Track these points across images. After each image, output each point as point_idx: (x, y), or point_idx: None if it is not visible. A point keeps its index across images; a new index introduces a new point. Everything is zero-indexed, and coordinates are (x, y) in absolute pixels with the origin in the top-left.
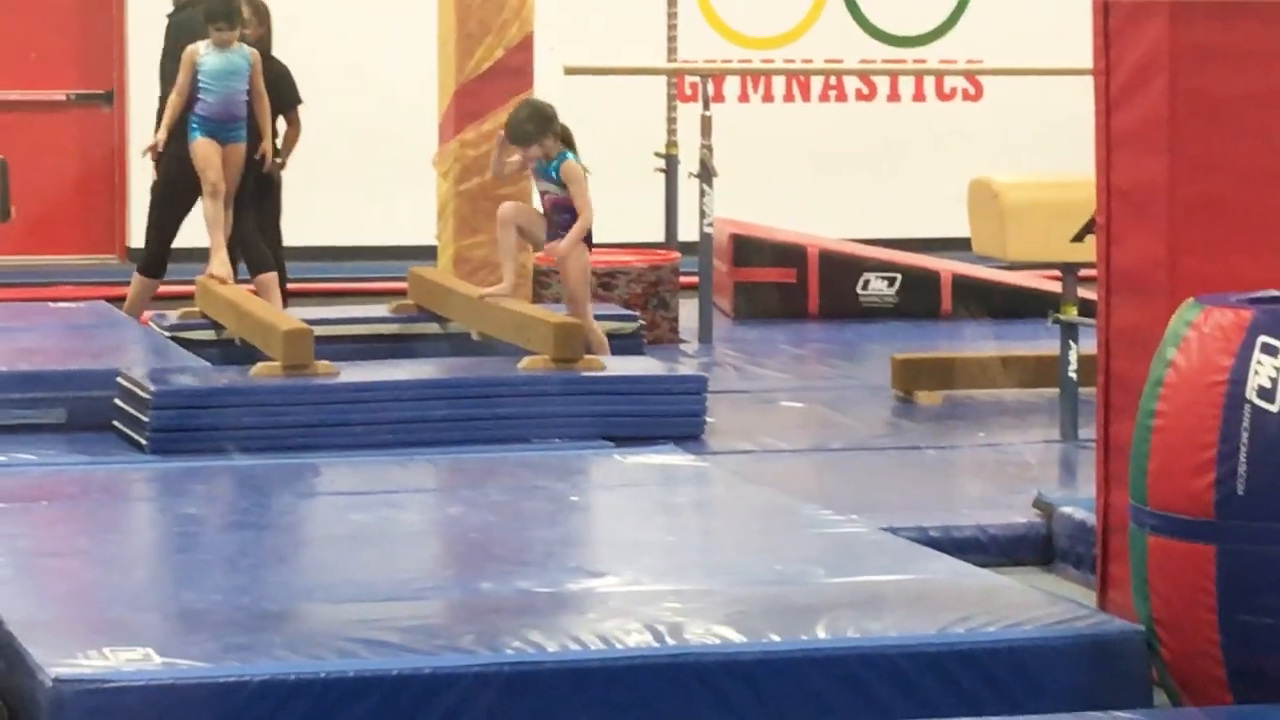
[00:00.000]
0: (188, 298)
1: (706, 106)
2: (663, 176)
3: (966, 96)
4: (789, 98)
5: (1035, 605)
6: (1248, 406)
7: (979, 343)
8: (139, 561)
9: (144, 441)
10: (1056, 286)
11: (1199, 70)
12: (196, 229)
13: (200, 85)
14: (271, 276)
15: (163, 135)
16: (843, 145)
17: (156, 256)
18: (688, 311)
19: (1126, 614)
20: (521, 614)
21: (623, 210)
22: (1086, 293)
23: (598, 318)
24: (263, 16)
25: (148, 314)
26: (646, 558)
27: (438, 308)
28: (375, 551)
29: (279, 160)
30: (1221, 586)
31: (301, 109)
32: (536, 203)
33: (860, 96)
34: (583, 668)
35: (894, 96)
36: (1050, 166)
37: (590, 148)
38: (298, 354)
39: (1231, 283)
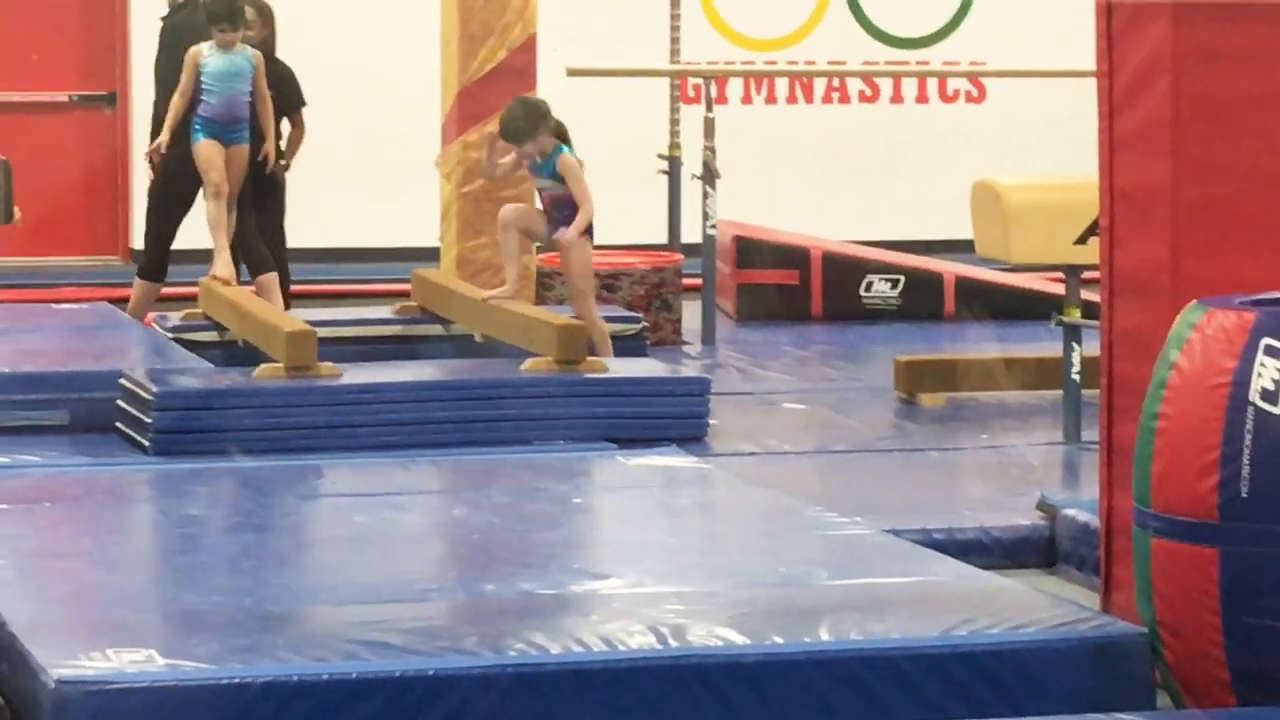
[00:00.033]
0: (191, 299)
1: (709, 108)
2: (665, 178)
3: (969, 98)
4: (792, 99)
5: (1038, 607)
6: (1251, 409)
7: (982, 345)
8: (142, 563)
9: (147, 443)
10: (1060, 288)
11: (1202, 72)
12: (197, 230)
13: (203, 86)
14: (272, 277)
15: (165, 137)
16: (846, 147)
17: (157, 260)
18: (690, 313)
19: (1129, 616)
20: (524, 616)
21: (625, 212)
22: (1089, 295)
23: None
24: (267, 18)
25: (150, 315)
26: (649, 559)
27: (441, 309)
28: (378, 553)
29: (283, 162)
30: (1224, 589)
31: (305, 111)
32: (537, 203)
33: (863, 98)
34: (586, 669)
35: (897, 98)
36: (1053, 168)
37: (593, 149)
38: (301, 355)
39: (1235, 285)
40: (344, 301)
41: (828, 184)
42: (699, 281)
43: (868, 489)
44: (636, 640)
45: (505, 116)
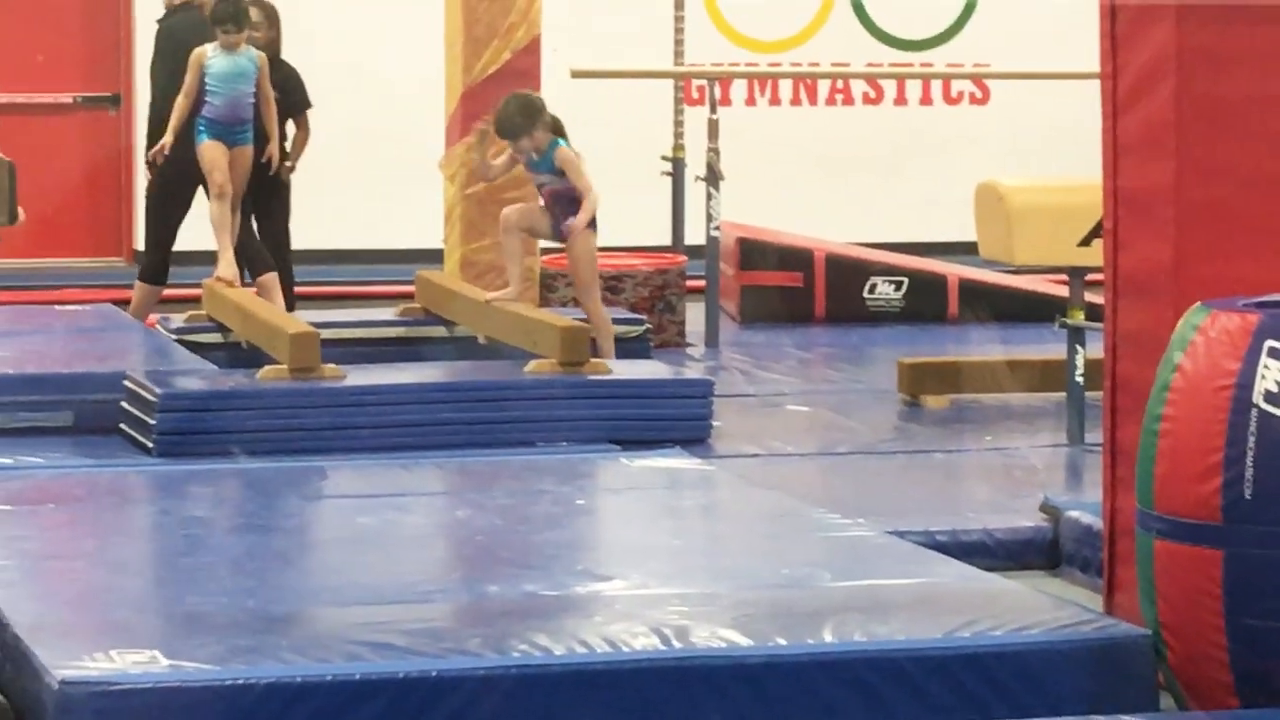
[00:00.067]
0: (194, 301)
1: (713, 110)
2: (669, 180)
3: (973, 100)
4: (796, 101)
5: (1041, 609)
6: (1254, 410)
7: (986, 347)
8: (145, 564)
9: (150, 444)
10: (1063, 290)
11: (1206, 74)
12: (198, 232)
13: (207, 88)
14: (272, 277)
15: (170, 139)
16: (849, 149)
17: (158, 263)
18: (694, 315)
19: (1133, 618)
20: (528, 617)
21: (629, 214)
22: (1093, 297)
23: None
24: (273, 20)
25: (154, 317)
26: (653, 561)
27: (444, 311)
28: (381, 554)
29: (289, 164)
30: (1228, 591)
31: (310, 112)
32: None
33: (867, 100)
34: (589, 671)
35: (901, 100)
36: (1057, 170)
37: (597, 151)
38: (304, 357)
39: (1238, 287)
40: (348, 303)
41: (831, 186)
42: (702, 283)
43: (871, 491)
44: (640, 642)
45: (500, 113)
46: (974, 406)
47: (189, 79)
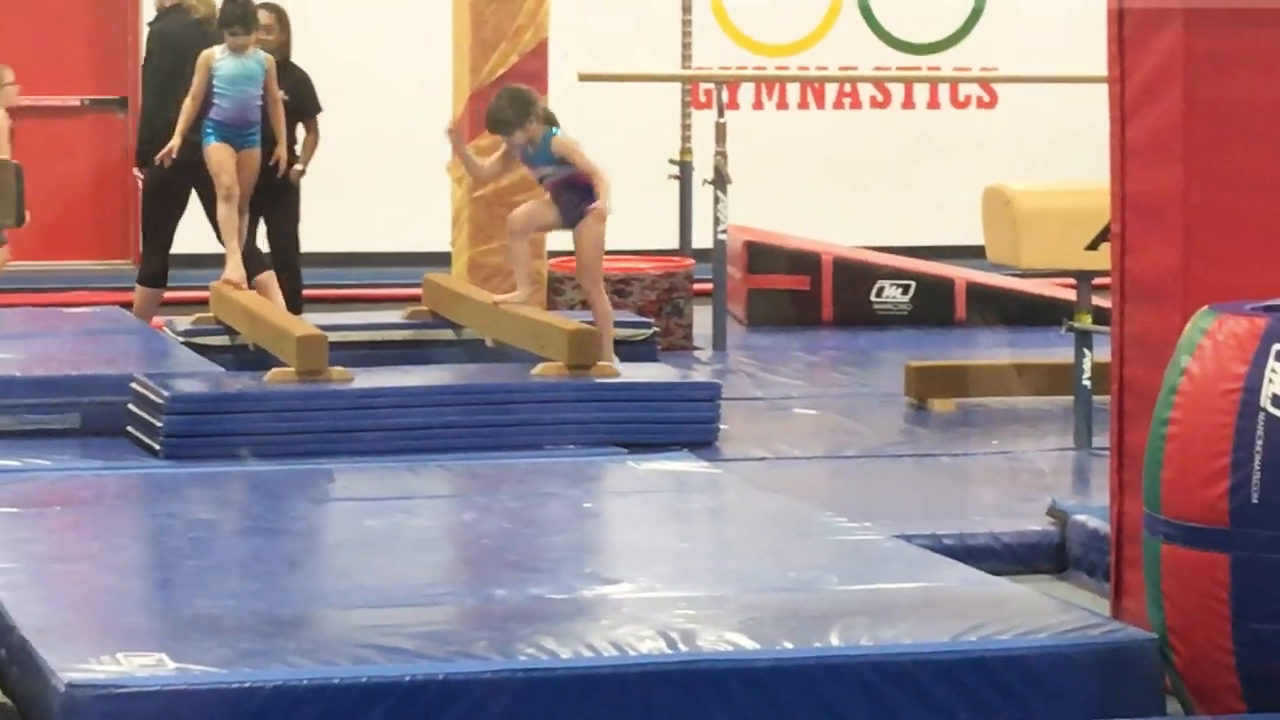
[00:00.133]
0: (201, 303)
1: (721, 113)
2: (677, 183)
3: (981, 104)
4: (803, 105)
5: (1048, 613)
6: (1262, 414)
7: (993, 350)
8: (152, 567)
9: (158, 447)
10: (1071, 294)
11: (1213, 78)
12: (203, 234)
13: (215, 90)
14: (270, 275)
15: (177, 141)
16: (857, 152)
17: (156, 265)
18: (701, 318)
19: (1140, 622)
20: (534, 620)
21: (637, 217)
22: (1101, 300)
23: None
24: (284, 23)
25: (161, 319)
26: (660, 564)
27: (452, 314)
28: (388, 557)
29: (299, 167)
30: (1235, 595)
31: (319, 116)
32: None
33: (875, 104)
34: (596, 674)
35: (908, 104)
36: (1065, 174)
37: (604, 154)
38: (312, 360)
39: (1246, 291)
40: (355, 306)
41: (839, 189)
42: (710, 287)
43: (878, 494)
44: (646, 645)
45: (492, 108)
46: (981, 410)
47: (196, 81)
